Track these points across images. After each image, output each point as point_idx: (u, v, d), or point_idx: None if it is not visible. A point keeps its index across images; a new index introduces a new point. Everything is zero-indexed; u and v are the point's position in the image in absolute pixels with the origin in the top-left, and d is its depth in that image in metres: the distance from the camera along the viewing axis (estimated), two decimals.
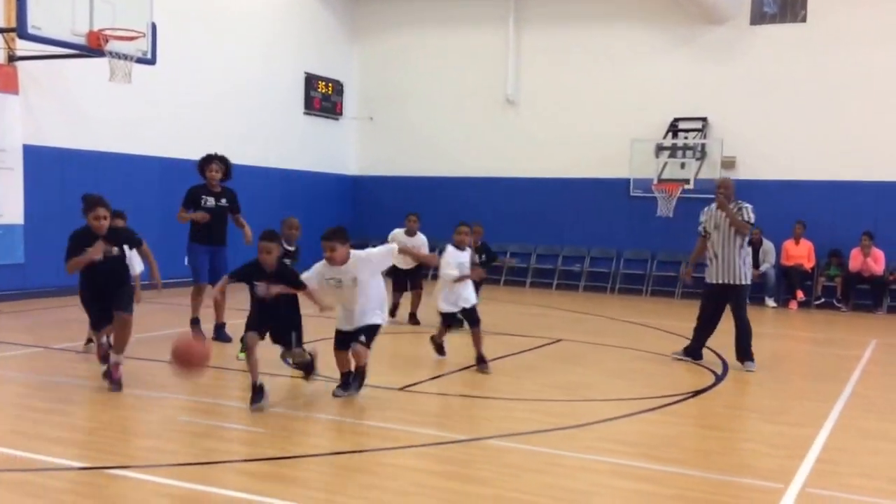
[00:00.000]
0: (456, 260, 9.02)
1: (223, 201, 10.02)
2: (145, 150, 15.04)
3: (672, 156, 17.50)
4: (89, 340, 8.95)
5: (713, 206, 9.59)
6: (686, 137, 17.58)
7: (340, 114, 20.12)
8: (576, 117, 18.46)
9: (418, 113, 19.89)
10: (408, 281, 12.17)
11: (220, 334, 9.90)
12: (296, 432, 6.38)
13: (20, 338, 10.09)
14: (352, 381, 7.28)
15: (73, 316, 11.86)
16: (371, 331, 7.20)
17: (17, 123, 12.94)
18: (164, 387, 7.59)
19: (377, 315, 7.20)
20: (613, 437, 6.47)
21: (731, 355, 9.61)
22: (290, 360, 7.75)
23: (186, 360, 6.26)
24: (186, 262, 9.94)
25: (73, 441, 6.03)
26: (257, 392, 6.84)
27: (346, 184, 20.33)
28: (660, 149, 17.56)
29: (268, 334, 7.14)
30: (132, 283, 7.86)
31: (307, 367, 7.54)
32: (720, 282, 9.43)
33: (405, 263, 12.00)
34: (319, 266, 7.14)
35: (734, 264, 9.37)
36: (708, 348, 9.85)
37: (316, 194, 18.95)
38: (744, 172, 16.86)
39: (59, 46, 11.77)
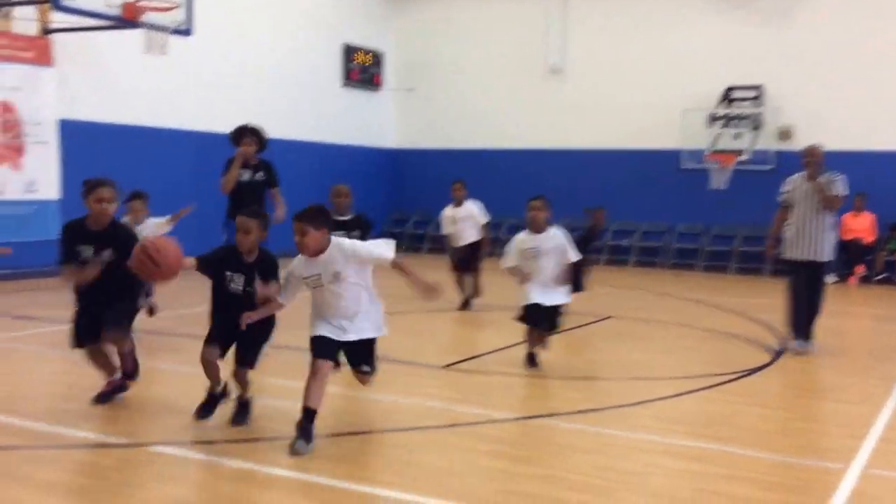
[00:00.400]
0: (519, 247, 7.45)
1: (259, 175, 9.46)
2: (181, 123, 14.87)
3: (726, 125, 17.00)
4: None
5: (797, 176, 8.91)
6: (741, 106, 17.01)
7: (379, 85, 19.79)
8: (623, 86, 17.95)
9: (460, 83, 19.49)
10: (464, 261, 11.09)
11: None
12: (340, 411, 6.14)
13: (61, 314, 9.94)
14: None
15: None
16: (371, 351, 5.65)
17: (51, 97, 12.81)
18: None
19: (378, 327, 5.55)
20: (667, 415, 6.20)
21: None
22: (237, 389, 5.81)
23: (150, 270, 5.14)
24: (224, 240, 9.60)
25: (119, 417, 5.89)
26: (206, 404, 5.74)
27: (385, 157, 20.03)
28: (713, 118, 17.06)
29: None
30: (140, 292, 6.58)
31: (243, 409, 5.77)
32: (803, 258, 8.73)
33: (458, 239, 11.14)
34: (297, 261, 5.42)
35: (820, 239, 8.69)
36: (768, 325, 9.40)
37: (354, 168, 18.60)
38: (802, 142, 16.14)
39: (93, 18, 11.59)
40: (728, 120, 16.99)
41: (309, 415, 5.16)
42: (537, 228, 7.42)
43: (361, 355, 5.57)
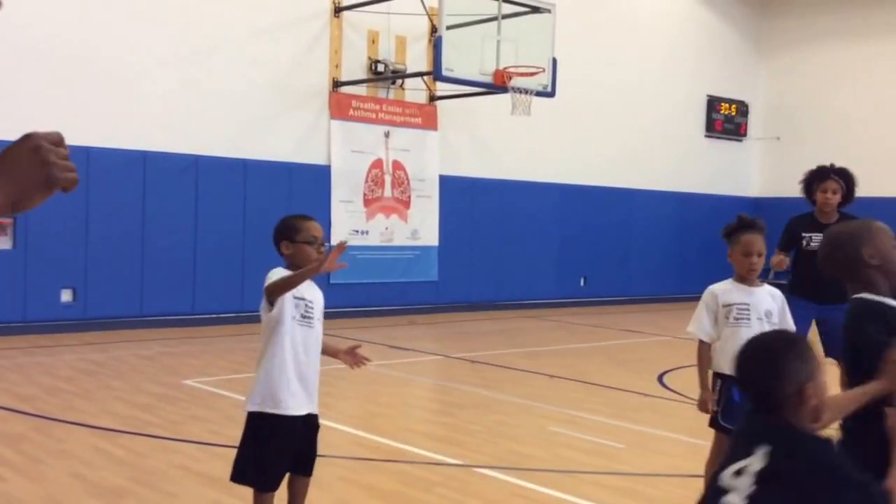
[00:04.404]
0: None
1: None
2: (544, 177, 15.93)
3: None
4: None
5: None
6: None
7: (744, 135, 19.56)
8: None
9: (829, 130, 18.68)
10: None
11: None
12: (653, 451, 6.49)
13: (427, 346, 11.30)
14: None
15: (476, 329, 13.01)
16: None
17: (435, 156, 14.49)
18: (540, 397, 8.14)
19: None
20: None
21: None
22: None
23: None
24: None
25: (453, 440, 6.60)
26: None
27: (747, 206, 19.59)
28: None
29: None
30: None
31: None
32: None
33: None
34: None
35: None
36: None
37: (713, 216, 18.50)
38: None
39: (468, 86, 12.98)
40: None
41: None
42: None
43: None
